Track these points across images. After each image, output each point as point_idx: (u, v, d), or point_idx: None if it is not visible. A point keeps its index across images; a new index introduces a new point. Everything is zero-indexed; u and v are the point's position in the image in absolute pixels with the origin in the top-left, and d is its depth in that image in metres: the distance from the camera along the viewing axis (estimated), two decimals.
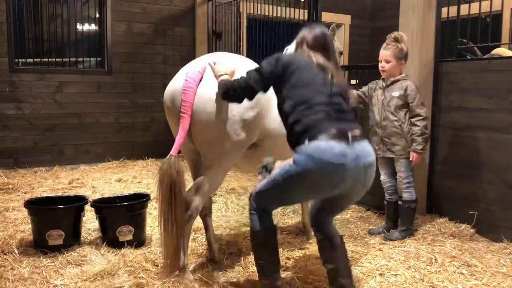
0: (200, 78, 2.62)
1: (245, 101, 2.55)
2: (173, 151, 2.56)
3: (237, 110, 2.60)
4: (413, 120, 3.50)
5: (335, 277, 2.33)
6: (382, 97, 3.61)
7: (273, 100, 2.90)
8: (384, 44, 3.56)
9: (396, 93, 3.53)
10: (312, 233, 3.61)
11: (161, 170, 2.54)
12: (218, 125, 2.58)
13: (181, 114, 2.56)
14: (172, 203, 2.53)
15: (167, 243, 2.60)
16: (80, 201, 3.41)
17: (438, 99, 3.98)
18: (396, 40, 3.50)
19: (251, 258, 3.06)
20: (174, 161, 2.53)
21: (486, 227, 3.59)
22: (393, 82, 3.56)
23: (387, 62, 3.53)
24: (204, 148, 2.69)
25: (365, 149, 2.18)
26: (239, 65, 2.77)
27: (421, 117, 3.47)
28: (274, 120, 2.89)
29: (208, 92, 2.58)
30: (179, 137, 2.55)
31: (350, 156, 2.07)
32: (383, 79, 3.65)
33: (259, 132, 2.82)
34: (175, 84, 2.71)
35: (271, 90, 2.94)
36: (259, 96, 2.67)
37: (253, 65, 2.90)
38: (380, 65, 3.59)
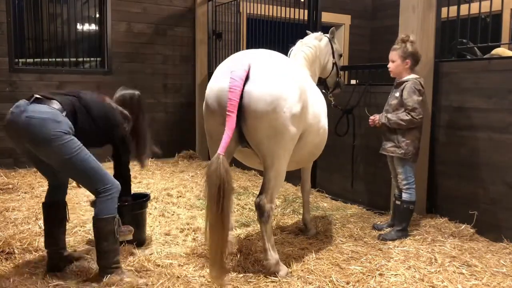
0: (246, 76, 2.59)
1: (293, 95, 2.64)
2: (221, 150, 2.48)
3: (287, 106, 2.61)
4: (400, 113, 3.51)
5: None
6: (389, 96, 3.68)
7: (311, 96, 2.94)
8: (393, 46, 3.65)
9: (397, 94, 3.55)
10: (313, 233, 3.63)
11: (209, 170, 2.48)
12: (271, 124, 2.59)
13: (227, 113, 2.51)
14: (220, 202, 2.45)
15: (213, 244, 2.53)
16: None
17: (438, 99, 3.98)
18: (402, 41, 3.56)
19: (251, 258, 3.06)
20: (222, 160, 2.47)
21: (486, 227, 3.58)
22: (399, 83, 3.59)
23: (392, 61, 3.59)
24: (262, 149, 2.69)
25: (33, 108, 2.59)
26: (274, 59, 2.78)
27: (406, 117, 3.43)
28: (311, 115, 2.92)
29: (258, 90, 2.56)
30: (226, 136, 2.50)
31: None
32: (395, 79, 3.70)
33: (303, 124, 2.84)
34: (220, 83, 2.63)
35: (301, 85, 2.88)
36: (301, 90, 2.72)
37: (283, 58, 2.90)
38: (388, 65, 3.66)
